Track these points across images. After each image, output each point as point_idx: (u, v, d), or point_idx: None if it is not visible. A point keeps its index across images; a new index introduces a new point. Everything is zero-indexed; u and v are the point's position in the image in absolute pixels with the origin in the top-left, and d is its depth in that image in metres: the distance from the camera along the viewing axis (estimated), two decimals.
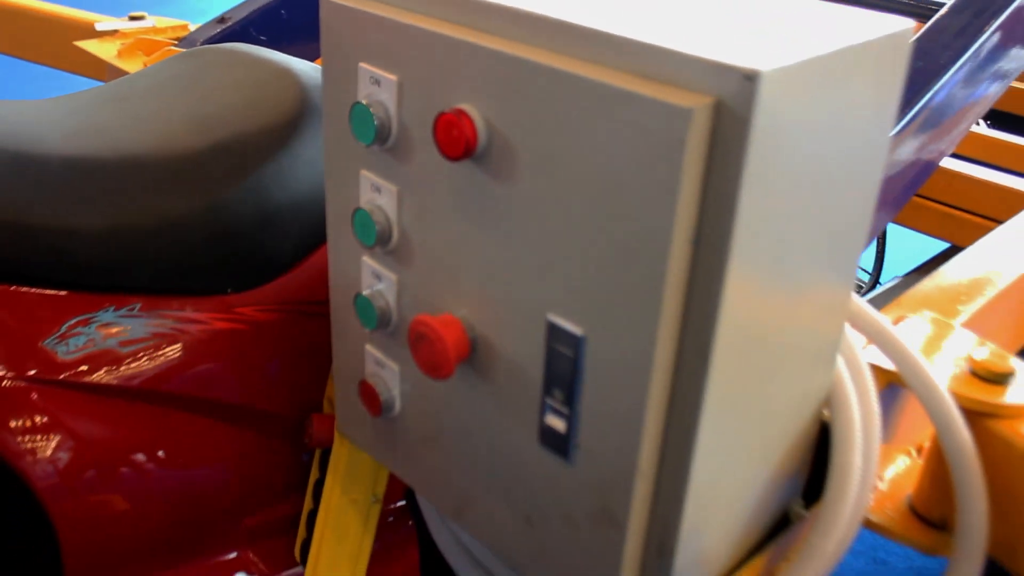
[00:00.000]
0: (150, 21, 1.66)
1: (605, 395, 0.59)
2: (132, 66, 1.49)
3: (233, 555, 1.04)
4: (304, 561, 1.03)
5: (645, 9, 0.57)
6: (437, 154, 0.61)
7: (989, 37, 1.19)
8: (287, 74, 1.00)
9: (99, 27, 1.62)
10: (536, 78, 0.55)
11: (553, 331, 0.60)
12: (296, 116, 0.95)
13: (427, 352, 0.66)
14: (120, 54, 1.53)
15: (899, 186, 1.16)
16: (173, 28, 1.64)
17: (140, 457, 0.90)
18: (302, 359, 0.98)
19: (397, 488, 1.15)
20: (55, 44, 1.67)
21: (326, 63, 0.69)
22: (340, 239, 0.75)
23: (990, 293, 0.97)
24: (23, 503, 0.85)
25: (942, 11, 1.24)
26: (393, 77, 0.64)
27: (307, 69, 1.02)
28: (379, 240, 0.70)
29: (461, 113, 0.59)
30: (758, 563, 0.74)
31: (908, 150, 1.14)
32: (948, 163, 1.62)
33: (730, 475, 0.64)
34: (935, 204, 1.61)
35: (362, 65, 0.66)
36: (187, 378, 0.91)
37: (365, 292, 0.73)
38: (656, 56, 0.51)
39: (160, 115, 0.95)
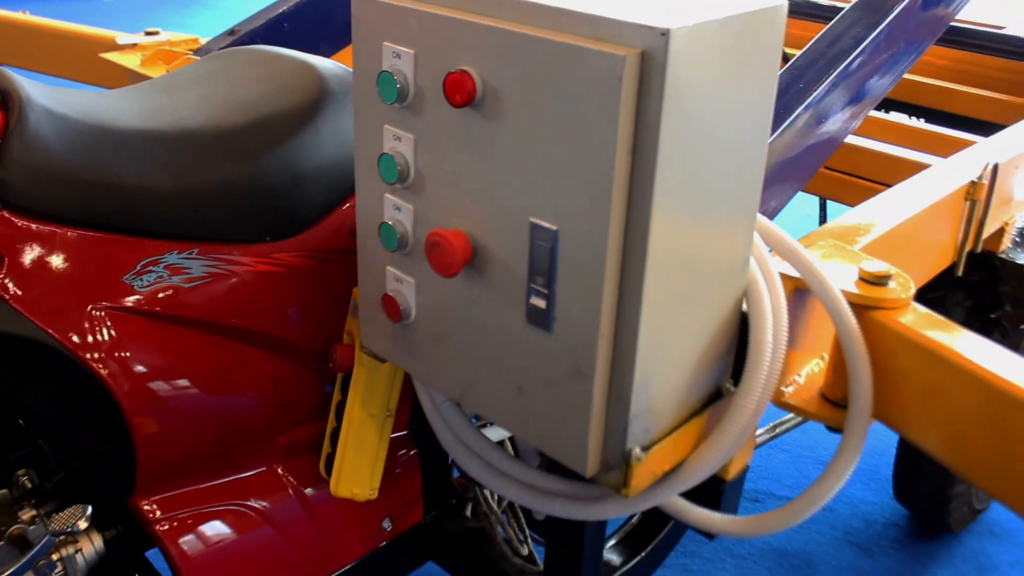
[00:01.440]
0: (164, 36, 1.87)
1: (574, 275, 0.81)
2: (155, 73, 1.69)
3: (268, 470, 1.24)
4: (329, 472, 1.23)
5: None
6: (446, 106, 0.83)
7: (880, 33, 1.43)
8: (306, 66, 1.22)
9: (120, 40, 1.83)
10: (516, 42, 0.77)
11: (535, 229, 0.82)
12: (316, 99, 1.17)
13: (440, 256, 0.87)
14: (143, 63, 1.74)
15: (806, 159, 1.40)
16: (186, 41, 1.85)
17: (197, 377, 1.10)
18: (326, 298, 1.18)
19: (402, 420, 1.36)
20: (80, 59, 1.88)
21: (356, 44, 0.91)
22: (366, 182, 0.96)
23: (881, 230, 1.20)
24: (106, 411, 1.05)
25: (841, 13, 1.49)
26: (411, 51, 0.86)
27: (320, 62, 1.24)
28: (400, 178, 0.91)
29: (464, 72, 0.81)
30: (698, 422, 0.96)
31: (808, 131, 1.37)
32: (873, 145, 1.87)
33: (670, 338, 0.86)
34: (859, 180, 1.86)
35: (386, 44, 0.88)
36: (234, 310, 1.11)
37: (388, 220, 0.95)
38: (599, 22, 0.73)
39: (206, 100, 1.16)
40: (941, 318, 0.99)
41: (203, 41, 1.87)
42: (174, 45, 1.82)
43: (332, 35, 1.96)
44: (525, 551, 1.42)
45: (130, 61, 1.75)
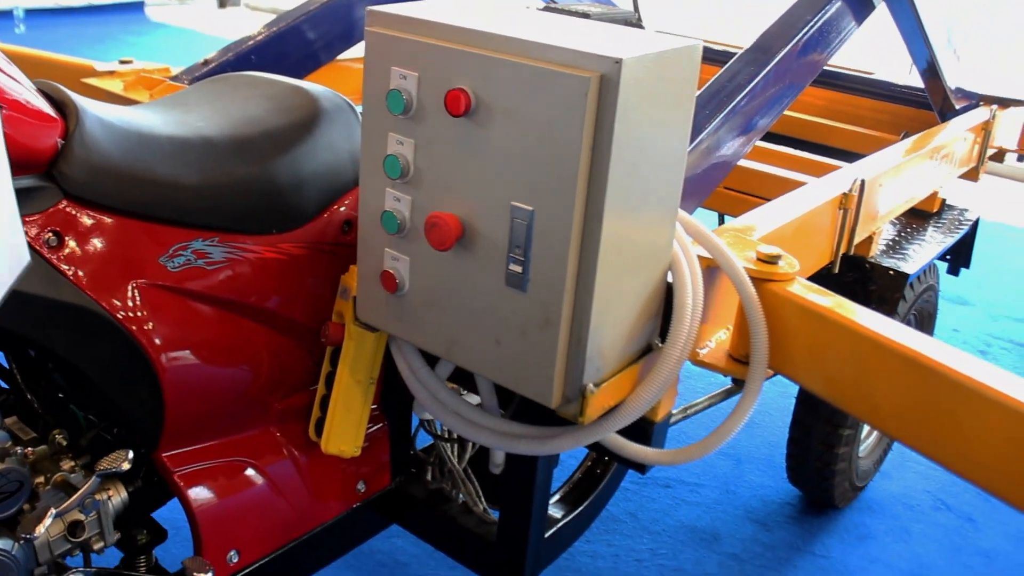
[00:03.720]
0: (137, 64, 2.06)
1: (545, 245, 1.06)
2: (139, 96, 1.89)
3: (265, 432, 1.44)
4: (319, 434, 1.44)
5: (558, 30, 1.06)
6: (444, 116, 1.08)
7: (767, 74, 1.74)
8: (301, 89, 1.44)
9: (98, 67, 2.01)
10: (505, 67, 1.03)
11: (515, 210, 1.07)
12: (313, 115, 1.39)
13: (437, 234, 1.11)
14: (126, 88, 1.93)
15: (703, 180, 1.69)
16: (159, 70, 2.04)
17: (214, 346, 1.31)
18: (319, 282, 1.40)
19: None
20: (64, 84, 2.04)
21: (368, 67, 1.15)
22: (371, 178, 1.20)
23: (770, 229, 1.49)
24: (142, 373, 1.24)
25: (735, 57, 1.80)
26: (415, 73, 1.10)
27: (312, 86, 1.46)
28: (401, 174, 1.15)
29: (462, 90, 1.05)
30: (634, 369, 1.22)
31: (707, 155, 1.67)
32: (760, 167, 2.19)
33: (615, 295, 1.12)
34: (749, 196, 2.17)
35: (393, 68, 1.12)
36: (246, 290, 1.32)
37: (389, 209, 1.18)
38: (569, 53, 0.99)
39: (220, 114, 1.38)
40: (819, 287, 1.27)
41: (175, 70, 2.06)
42: (150, 72, 2.02)
43: (290, 67, 2.18)
44: (480, 507, 1.65)
45: (113, 86, 1.94)
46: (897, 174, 2.01)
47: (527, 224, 1.06)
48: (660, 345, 1.24)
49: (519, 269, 1.09)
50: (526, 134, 1.03)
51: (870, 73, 3.04)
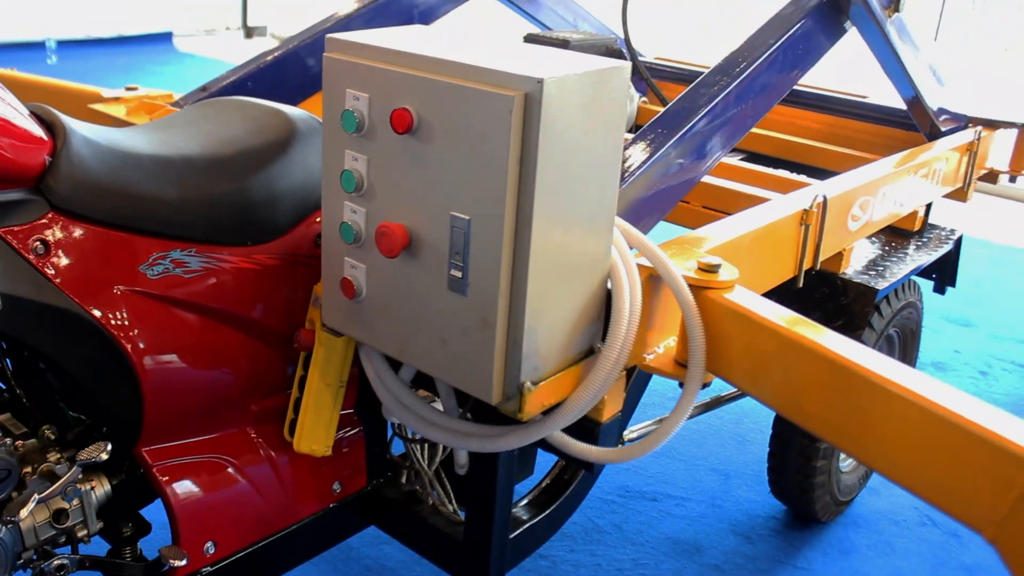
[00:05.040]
0: (142, 91, 2.19)
1: (481, 251, 1.15)
2: (140, 121, 2.01)
3: (242, 432, 1.54)
4: (292, 435, 1.53)
5: (495, 53, 1.16)
6: (391, 133, 1.18)
7: (729, 92, 1.83)
8: (279, 112, 1.55)
9: (105, 94, 2.14)
10: (441, 88, 1.12)
11: (454, 219, 1.16)
12: (288, 136, 1.50)
13: (386, 242, 1.21)
14: (129, 113, 2.05)
15: (664, 197, 1.76)
16: (163, 96, 2.17)
17: (191, 348, 1.41)
18: (292, 292, 1.50)
19: (348, 401, 1.66)
20: (69, 109, 2.17)
21: (326, 90, 1.25)
22: (331, 192, 1.30)
23: (723, 240, 1.57)
24: (122, 373, 1.35)
25: (700, 77, 1.88)
26: (366, 95, 1.20)
27: (290, 109, 1.57)
28: (356, 188, 1.25)
29: (405, 110, 1.15)
30: (576, 370, 1.30)
31: (668, 172, 1.74)
32: (730, 184, 2.26)
33: (550, 299, 1.20)
34: (715, 212, 2.25)
35: (348, 89, 1.22)
36: (222, 297, 1.42)
37: (346, 220, 1.28)
38: (496, 74, 1.09)
39: (200, 136, 1.49)
40: (756, 295, 1.35)
41: (177, 96, 2.19)
42: (153, 99, 2.14)
43: (286, 94, 2.30)
44: (450, 508, 1.72)
45: (117, 111, 2.07)
46: (869, 192, 2.07)
47: (465, 232, 1.15)
48: (601, 347, 1.32)
49: (459, 274, 1.18)
50: (461, 149, 1.13)
51: (864, 97, 3.11)
